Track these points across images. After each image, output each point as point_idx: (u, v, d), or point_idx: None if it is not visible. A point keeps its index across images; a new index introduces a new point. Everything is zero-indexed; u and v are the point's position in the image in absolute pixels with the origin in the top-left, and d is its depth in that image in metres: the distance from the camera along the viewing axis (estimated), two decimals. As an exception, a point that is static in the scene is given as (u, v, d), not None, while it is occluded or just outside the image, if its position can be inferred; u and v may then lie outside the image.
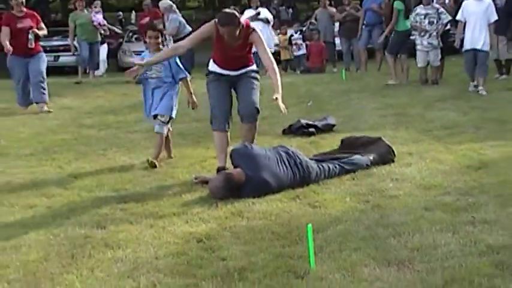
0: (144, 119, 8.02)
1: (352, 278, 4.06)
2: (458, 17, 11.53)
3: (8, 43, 11.02)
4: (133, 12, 33.83)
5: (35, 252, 4.79)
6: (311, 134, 8.59)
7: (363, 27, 16.20)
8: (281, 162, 6.17)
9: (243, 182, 5.98)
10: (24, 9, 11.29)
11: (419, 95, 11.73)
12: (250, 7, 18.83)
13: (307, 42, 19.08)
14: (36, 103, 11.71)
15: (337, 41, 18.27)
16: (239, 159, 6.22)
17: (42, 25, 11.52)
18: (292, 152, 6.39)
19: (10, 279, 4.33)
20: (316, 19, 19.12)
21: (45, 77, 11.67)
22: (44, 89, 11.62)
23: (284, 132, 8.85)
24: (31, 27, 11.15)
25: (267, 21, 17.20)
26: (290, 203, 5.73)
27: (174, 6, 16.42)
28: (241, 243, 4.80)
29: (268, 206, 5.63)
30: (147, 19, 17.16)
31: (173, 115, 7.41)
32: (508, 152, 7.12)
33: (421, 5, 12.86)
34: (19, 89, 11.68)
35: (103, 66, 19.70)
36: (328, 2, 19.10)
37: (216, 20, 6.57)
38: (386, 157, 6.84)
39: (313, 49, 18.46)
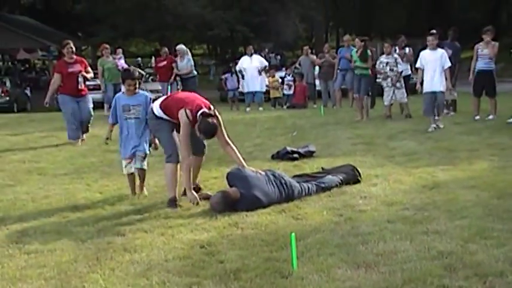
0: (122, 157, 6.89)
1: (327, 278, 4.06)
2: (417, 65, 11.39)
3: (49, 94, 10.82)
4: (153, 57, 33.97)
5: (66, 255, 4.78)
6: (295, 159, 8.59)
7: (338, 71, 16.31)
8: (269, 182, 6.18)
9: (238, 199, 5.98)
10: (74, 56, 10.97)
11: (384, 127, 11.75)
12: (246, 54, 18.96)
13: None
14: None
15: (317, 82, 18.45)
16: (234, 180, 6.21)
17: (89, 69, 11.23)
18: (279, 174, 6.41)
19: (47, 276, 4.33)
20: (300, 64, 19.34)
21: (92, 115, 11.26)
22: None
23: (272, 157, 8.85)
24: (80, 71, 10.82)
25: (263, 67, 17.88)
26: (277, 215, 5.73)
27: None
28: (237, 248, 4.79)
29: (259, 218, 5.63)
30: (164, 63, 17.26)
31: (147, 151, 6.91)
32: (455, 175, 7.14)
33: (384, 55, 13.07)
34: (71, 124, 10.95)
35: None
36: (310, 51, 19.32)
37: (199, 128, 6.12)
38: (352, 176, 6.88)
39: (298, 89, 18.69)
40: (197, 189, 6.59)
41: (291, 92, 19.35)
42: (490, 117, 12.16)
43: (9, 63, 41.27)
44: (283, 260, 4.41)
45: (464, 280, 3.88)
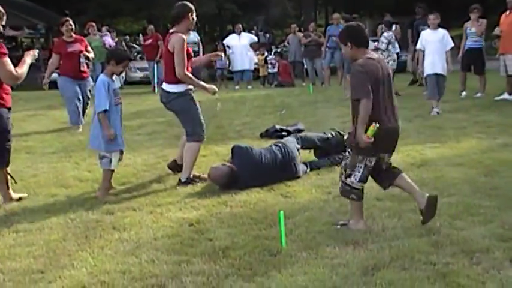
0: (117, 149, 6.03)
1: (316, 255, 4.07)
2: (418, 46, 10.71)
3: (50, 71, 9.98)
4: (141, 35, 33.62)
5: (55, 233, 4.76)
6: (283, 137, 8.56)
7: (327, 49, 16.24)
8: (272, 159, 6.14)
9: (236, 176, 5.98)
10: (73, 35, 10.04)
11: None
12: (234, 32, 18.85)
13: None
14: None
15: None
16: (236, 156, 6.19)
17: (89, 49, 10.29)
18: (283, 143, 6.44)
19: (35, 255, 4.32)
20: (288, 43, 19.27)
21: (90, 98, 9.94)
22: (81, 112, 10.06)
23: (261, 135, 8.83)
24: (81, 51, 9.89)
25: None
26: (266, 193, 5.73)
27: None
28: (226, 226, 4.79)
29: (248, 196, 5.63)
30: (150, 41, 17.10)
31: None
32: (443, 153, 7.17)
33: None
34: (72, 109, 9.96)
35: (119, 79, 19.62)
36: (297, 29, 19.24)
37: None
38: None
39: (282, 67, 18.71)
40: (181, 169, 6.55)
41: (275, 70, 19.32)
42: (478, 94, 12.20)
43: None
44: (272, 237, 4.42)
45: (451, 256, 3.91)
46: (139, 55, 24.06)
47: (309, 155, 6.93)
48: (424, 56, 10.37)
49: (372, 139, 4.34)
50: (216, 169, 6.03)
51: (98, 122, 5.82)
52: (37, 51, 5.90)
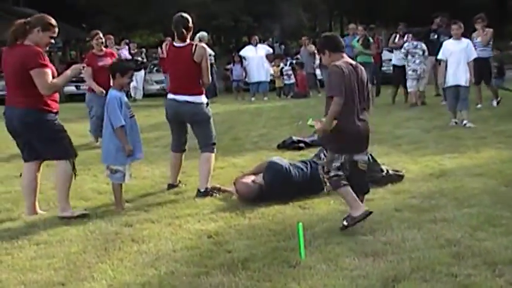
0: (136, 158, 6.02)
1: (335, 267, 4.05)
2: (439, 56, 10.35)
3: (95, 83, 9.57)
4: (159, 48, 33.79)
5: (75, 246, 4.79)
6: (301, 148, 8.58)
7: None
8: (303, 176, 6.06)
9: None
10: (104, 49, 9.96)
11: (389, 115, 11.73)
12: (250, 43, 18.94)
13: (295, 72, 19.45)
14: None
15: (318, 71, 18.49)
16: (271, 172, 6.03)
17: None
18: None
19: (56, 267, 4.34)
20: (300, 55, 19.50)
21: None
22: None
23: (278, 146, 8.84)
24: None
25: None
26: (284, 205, 5.71)
27: None
28: (244, 238, 4.79)
29: (266, 208, 5.62)
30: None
31: None
32: (462, 163, 7.12)
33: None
34: (93, 123, 9.99)
35: (139, 92, 19.78)
36: (308, 42, 19.40)
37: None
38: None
39: (299, 78, 18.82)
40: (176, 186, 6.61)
41: (292, 81, 19.38)
42: (494, 103, 12.15)
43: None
44: (290, 249, 4.41)
45: (473, 268, 3.87)
46: (156, 68, 24.19)
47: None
48: (446, 66, 10.10)
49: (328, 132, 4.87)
50: (247, 186, 5.96)
51: (111, 137, 5.82)
52: (84, 65, 6.01)
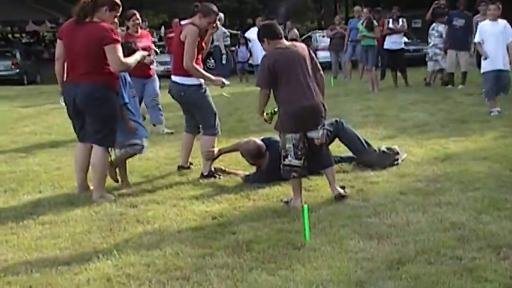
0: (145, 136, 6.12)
1: (340, 249, 4.06)
2: (476, 39, 9.51)
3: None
4: (162, 28, 33.47)
5: (80, 226, 4.80)
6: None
7: (348, 42, 16.14)
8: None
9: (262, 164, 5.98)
10: (140, 29, 9.11)
11: (394, 99, 11.69)
12: (254, 25, 18.85)
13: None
14: (154, 125, 9.24)
15: (327, 53, 18.25)
16: (271, 146, 6.04)
17: (153, 45, 9.41)
18: None
19: (61, 247, 4.36)
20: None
21: (160, 97, 9.30)
22: (161, 110, 9.27)
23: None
24: (149, 47, 8.88)
25: None
26: (288, 187, 5.65)
27: None
28: (249, 220, 4.79)
29: (271, 190, 5.62)
30: (173, 34, 17.08)
31: None
32: (467, 146, 7.10)
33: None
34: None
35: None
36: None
37: None
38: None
39: None
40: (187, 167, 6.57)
41: None
42: None
43: (12, 35, 41.24)
44: (295, 231, 4.41)
45: (477, 251, 3.87)
46: (160, 48, 24.10)
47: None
48: (482, 48, 9.26)
49: (269, 121, 5.37)
50: (246, 143, 6.16)
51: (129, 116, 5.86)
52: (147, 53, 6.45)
